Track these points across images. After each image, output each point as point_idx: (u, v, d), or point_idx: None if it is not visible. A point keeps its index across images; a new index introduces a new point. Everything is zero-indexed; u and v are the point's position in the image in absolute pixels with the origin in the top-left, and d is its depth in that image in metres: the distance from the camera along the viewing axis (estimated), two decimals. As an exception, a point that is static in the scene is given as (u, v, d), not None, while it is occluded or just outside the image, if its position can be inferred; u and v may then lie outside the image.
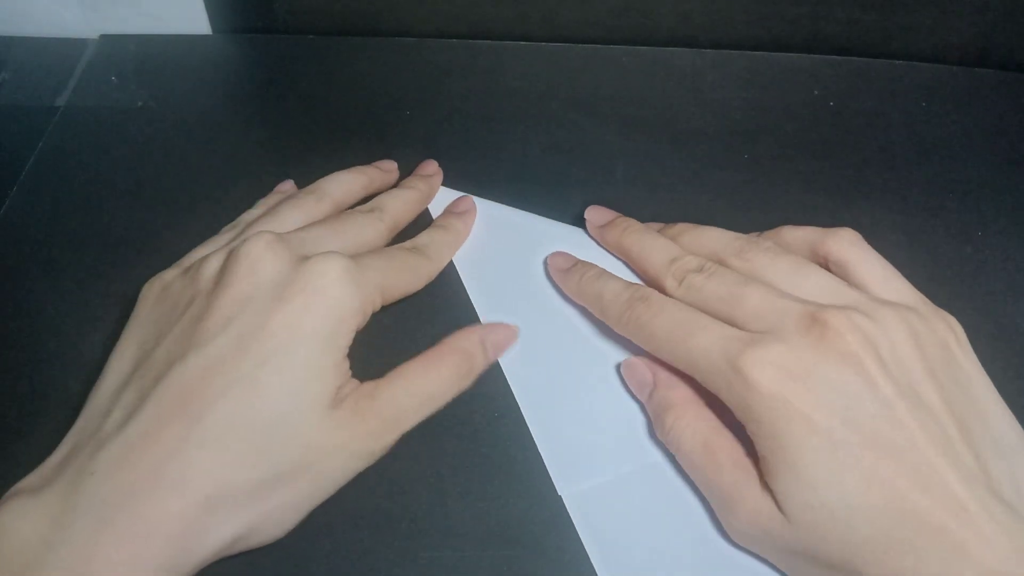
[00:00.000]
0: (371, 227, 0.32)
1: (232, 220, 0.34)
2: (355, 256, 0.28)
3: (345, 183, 0.34)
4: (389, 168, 0.37)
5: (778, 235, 0.31)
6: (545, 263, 0.34)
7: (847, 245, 0.29)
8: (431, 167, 0.37)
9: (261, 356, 0.25)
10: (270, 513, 0.25)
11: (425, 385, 0.28)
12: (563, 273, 0.32)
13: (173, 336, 0.26)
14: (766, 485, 0.25)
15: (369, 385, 0.27)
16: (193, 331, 0.26)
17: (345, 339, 0.27)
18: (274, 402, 0.25)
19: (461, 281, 0.33)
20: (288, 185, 0.36)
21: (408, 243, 0.32)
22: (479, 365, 0.29)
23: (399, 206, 0.34)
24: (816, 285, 0.27)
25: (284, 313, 0.26)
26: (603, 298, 0.30)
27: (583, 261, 0.32)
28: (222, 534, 0.24)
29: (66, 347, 0.32)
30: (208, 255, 0.28)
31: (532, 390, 0.30)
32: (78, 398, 0.30)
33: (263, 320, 0.26)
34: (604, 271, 0.31)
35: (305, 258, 0.27)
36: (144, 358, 0.26)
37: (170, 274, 0.29)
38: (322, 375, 0.26)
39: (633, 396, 0.30)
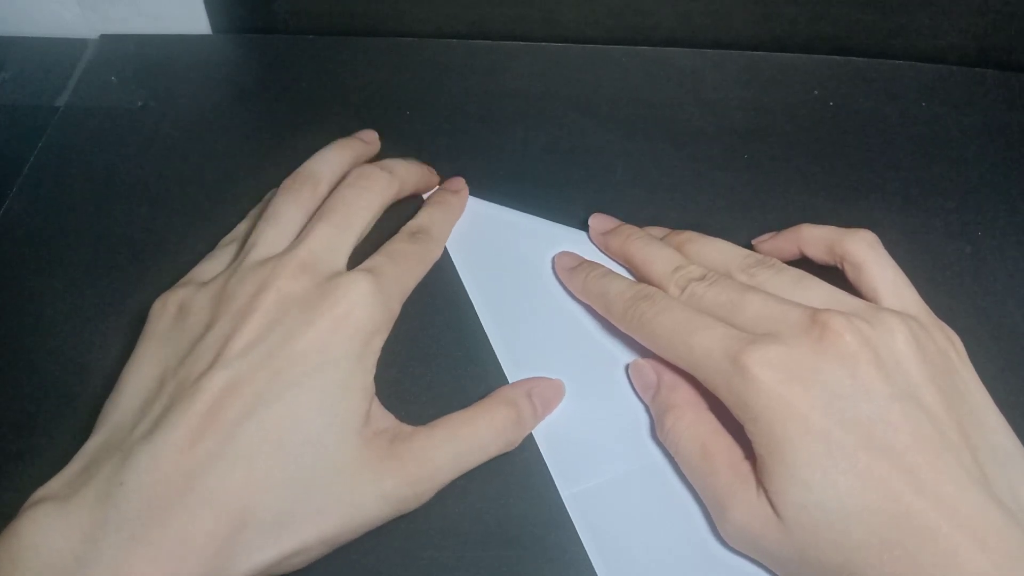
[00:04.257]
0: (381, 195, 0.31)
1: (232, 219, 0.34)
2: (374, 269, 0.28)
3: (334, 161, 0.33)
4: (371, 139, 0.36)
5: (798, 231, 0.31)
6: (552, 262, 0.34)
7: (865, 247, 0.29)
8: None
9: (291, 377, 0.25)
10: (297, 546, 0.24)
11: (468, 436, 0.27)
12: (569, 272, 0.32)
13: (198, 353, 0.26)
14: (762, 488, 0.25)
15: (408, 428, 0.27)
16: (221, 350, 0.25)
17: (373, 358, 0.27)
18: (305, 422, 0.25)
19: (461, 282, 0.33)
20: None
21: (411, 226, 0.33)
22: (527, 418, 0.29)
23: (407, 174, 0.33)
24: (818, 295, 0.28)
25: (313, 334, 0.26)
26: (607, 295, 0.30)
27: (589, 260, 0.33)
28: (252, 561, 0.23)
29: (66, 347, 0.32)
30: (227, 274, 0.28)
31: (532, 390, 0.30)
32: (78, 398, 0.30)
33: (293, 341, 0.26)
34: (609, 270, 0.32)
35: (330, 275, 0.27)
36: (168, 374, 0.26)
37: (184, 291, 0.28)
38: (352, 394, 0.26)
39: (633, 397, 0.30)
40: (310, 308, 0.26)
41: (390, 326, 0.28)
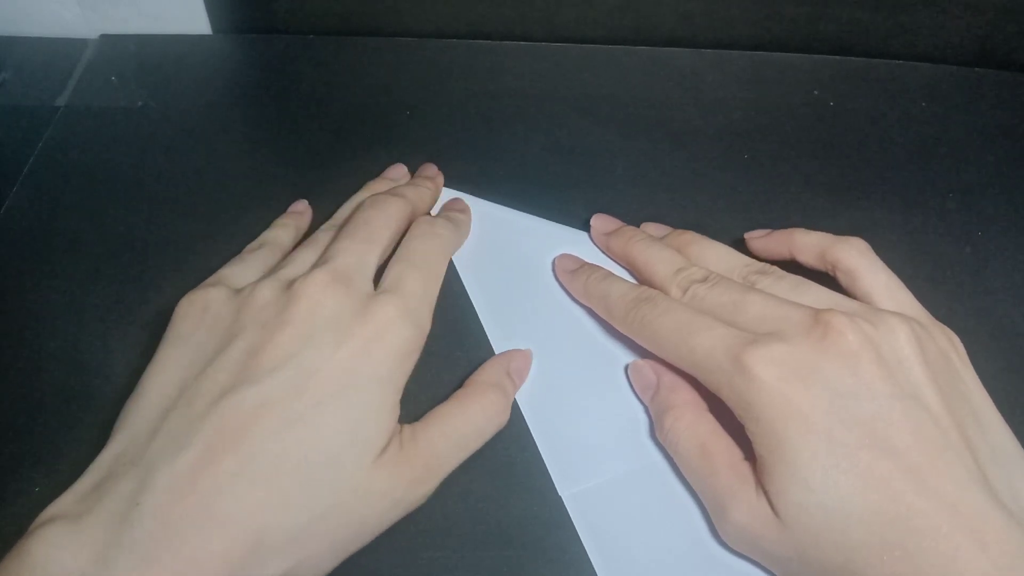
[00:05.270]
0: (396, 216, 0.31)
1: (232, 218, 0.34)
2: (405, 287, 0.28)
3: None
4: (399, 176, 0.37)
5: (789, 235, 0.31)
6: (552, 265, 0.34)
7: (856, 254, 0.29)
8: (431, 169, 0.37)
9: (318, 397, 0.25)
10: (309, 557, 0.24)
11: (464, 427, 0.27)
12: (570, 274, 0.33)
13: (223, 365, 0.25)
14: (762, 488, 0.25)
15: (408, 429, 0.27)
16: (247, 364, 0.25)
17: (402, 379, 0.27)
18: (328, 444, 0.24)
19: (462, 283, 0.33)
20: (302, 206, 0.35)
21: (426, 219, 0.32)
22: (511, 395, 0.29)
23: (417, 197, 0.33)
24: (818, 298, 0.28)
25: (343, 356, 0.25)
26: (609, 298, 0.30)
27: (589, 263, 0.33)
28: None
29: (66, 347, 0.32)
30: (260, 283, 0.28)
31: (532, 391, 0.30)
32: (79, 399, 0.30)
33: (322, 362, 0.25)
34: (610, 273, 0.32)
35: (363, 296, 0.27)
36: (189, 383, 0.25)
37: (213, 294, 0.28)
38: (377, 418, 0.26)
39: (633, 397, 0.30)
40: (341, 329, 0.26)
41: (422, 343, 0.28)
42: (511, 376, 0.30)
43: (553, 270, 0.34)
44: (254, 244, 0.32)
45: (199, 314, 0.27)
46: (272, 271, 0.30)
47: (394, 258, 0.30)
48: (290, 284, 0.27)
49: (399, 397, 0.27)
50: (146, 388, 0.26)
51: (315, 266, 0.28)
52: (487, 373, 0.29)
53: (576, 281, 0.32)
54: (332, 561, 0.25)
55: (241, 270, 0.30)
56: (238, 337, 0.26)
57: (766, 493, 0.24)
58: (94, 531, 0.22)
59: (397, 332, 0.27)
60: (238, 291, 0.28)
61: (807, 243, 0.31)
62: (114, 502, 0.23)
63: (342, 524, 0.24)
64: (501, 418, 0.28)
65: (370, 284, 0.28)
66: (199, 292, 0.28)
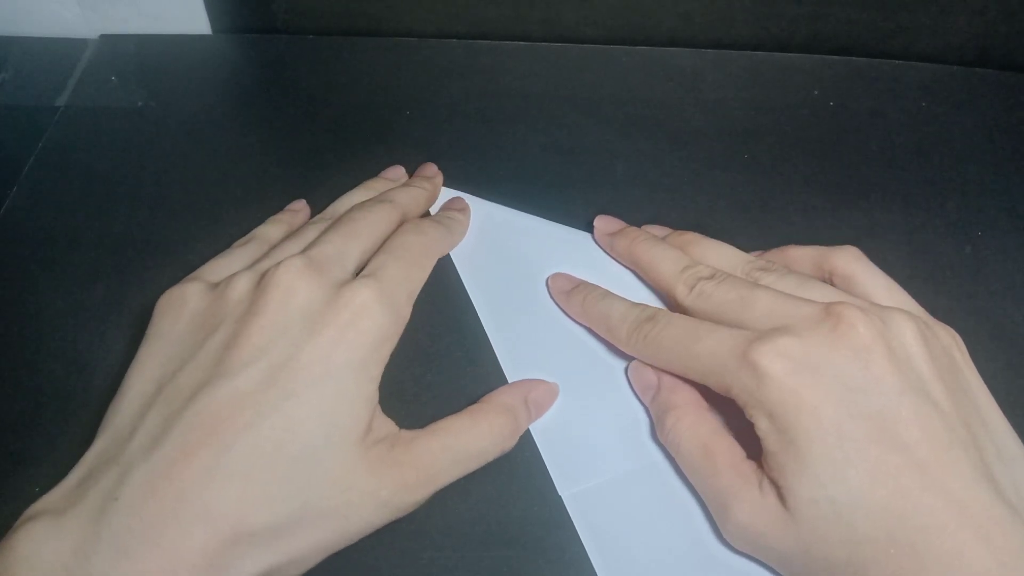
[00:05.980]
0: (384, 219, 0.31)
1: (232, 218, 0.34)
2: (378, 274, 0.28)
3: (360, 200, 0.34)
4: (397, 176, 0.37)
5: (783, 253, 0.32)
6: (547, 284, 0.33)
7: (852, 260, 0.30)
8: (431, 169, 0.37)
9: (291, 388, 0.25)
10: (292, 555, 0.24)
11: (467, 443, 0.27)
12: (565, 295, 0.32)
13: (199, 360, 0.26)
14: (770, 485, 0.24)
15: (407, 434, 0.27)
16: (222, 358, 0.25)
17: (378, 368, 0.27)
18: (303, 435, 0.24)
19: (462, 283, 0.33)
20: (300, 204, 0.35)
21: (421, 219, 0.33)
22: (523, 424, 0.29)
23: (408, 200, 0.33)
24: (824, 294, 0.28)
25: (316, 345, 0.25)
26: (610, 319, 0.30)
27: (585, 282, 0.32)
28: (244, 573, 0.23)
29: (66, 347, 0.32)
30: (235, 276, 0.28)
31: (532, 390, 0.30)
32: (78, 398, 0.30)
33: (294, 352, 0.25)
34: (607, 292, 0.31)
35: (337, 284, 0.27)
36: (168, 379, 0.26)
37: (191, 289, 0.28)
38: (352, 407, 0.25)
39: (633, 397, 0.30)
40: (314, 318, 0.26)
41: (400, 331, 0.28)
42: (528, 405, 0.29)
43: (548, 289, 0.33)
44: (243, 239, 0.32)
45: (177, 310, 0.28)
46: (253, 264, 0.29)
47: (376, 252, 0.30)
48: (266, 270, 0.27)
49: (376, 386, 0.26)
50: (128, 386, 0.26)
51: (291, 255, 0.28)
52: (505, 396, 0.29)
53: (573, 302, 0.32)
54: (314, 558, 0.25)
55: (224, 264, 0.30)
56: (215, 331, 0.26)
57: (778, 488, 0.24)
58: (74, 526, 0.22)
59: (372, 317, 0.26)
60: (215, 285, 0.28)
61: (801, 256, 0.31)
62: (94, 498, 0.23)
63: (323, 519, 0.24)
64: (507, 444, 0.28)
65: (348, 274, 0.28)
66: (178, 288, 0.28)
